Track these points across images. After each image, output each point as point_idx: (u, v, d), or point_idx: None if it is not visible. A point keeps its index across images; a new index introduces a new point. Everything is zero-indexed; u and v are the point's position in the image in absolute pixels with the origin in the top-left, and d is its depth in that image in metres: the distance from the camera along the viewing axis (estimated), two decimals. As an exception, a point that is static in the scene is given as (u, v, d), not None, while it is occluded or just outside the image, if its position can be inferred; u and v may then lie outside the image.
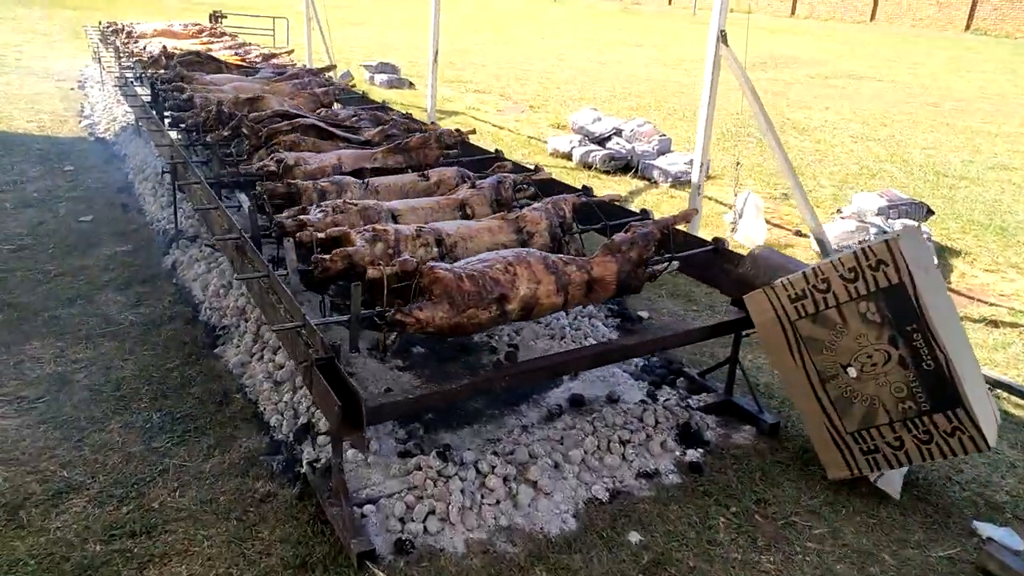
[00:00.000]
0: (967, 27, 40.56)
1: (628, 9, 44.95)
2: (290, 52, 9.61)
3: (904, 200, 6.01)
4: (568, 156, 8.52)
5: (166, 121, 5.48)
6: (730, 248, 3.53)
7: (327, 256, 2.95)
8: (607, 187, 7.65)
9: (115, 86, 8.31)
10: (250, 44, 9.18)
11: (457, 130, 5.02)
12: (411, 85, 13.04)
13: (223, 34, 9.39)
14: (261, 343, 3.84)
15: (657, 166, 7.81)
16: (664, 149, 8.26)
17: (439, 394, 2.56)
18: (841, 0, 47.88)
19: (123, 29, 10.65)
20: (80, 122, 8.67)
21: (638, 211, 4.16)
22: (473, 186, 4.14)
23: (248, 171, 3.89)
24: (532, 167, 4.74)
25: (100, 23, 12.24)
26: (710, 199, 7.36)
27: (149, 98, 6.71)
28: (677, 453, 3.24)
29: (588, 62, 18.64)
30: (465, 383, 2.62)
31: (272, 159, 3.84)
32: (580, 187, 4.65)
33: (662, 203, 7.18)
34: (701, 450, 3.27)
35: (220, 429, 3.23)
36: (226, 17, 17.02)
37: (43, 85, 10.77)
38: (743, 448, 3.35)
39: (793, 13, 47.10)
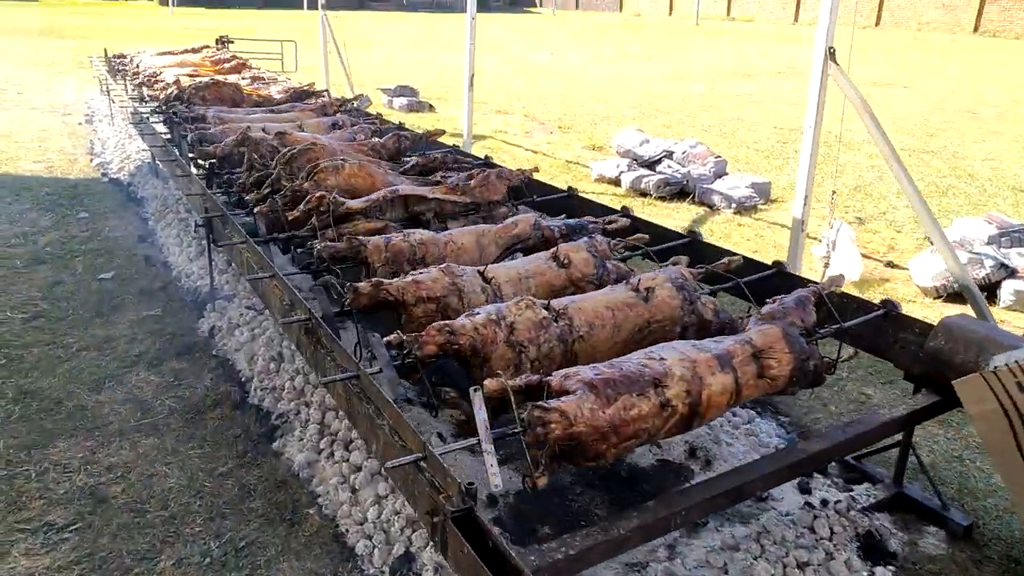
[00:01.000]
0: (975, 29, 40.16)
1: (629, 21, 44.71)
2: (318, 92, 9.01)
3: (1016, 226, 5.39)
4: (615, 182, 7.92)
5: (184, 162, 4.90)
6: (903, 312, 2.91)
7: (422, 333, 2.36)
8: (664, 215, 7.05)
9: (128, 122, 7.75)
10: (271, 73, 8.58)
11: (520, 169, 4.43)
12: (431, 108, 12.48)
13: (244, 65, 8.83)
14: (329, 436, 3.22)
15: (717, 191, 7.20)
16: (720, 171, 7.66)
17: (606, 544, 1.94)
18: (844, 5, 47.47)
19: (132, 60, 10.11)
20: (91, 161, 8.09)
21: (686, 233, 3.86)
22: (563, 236, 3.55)
23: (319, 249, 3.20)
24: (619, 211, 4.14)
25: (107, 53, 11.72)
26: (783, 226, 6.75)
27: (168, 135, 6.14)
28: (864, 574, 2.60)
29: (604, 78, 18.12)
30: (635, 525, 1.99)
31: (345, 240, 3.17)
32: (620, 208, 4.06)
33: (731, 232, 6.57)
34: (892, 568, 2.64)
35: (297, 561, 2.60)
36: (232, 42, 16.54)
37: (49, 120, 10.22)
38: (938, 561, 2.71)
39: (796, 20, 46.79)
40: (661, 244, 3.65)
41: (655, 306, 2.86)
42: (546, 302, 2.67)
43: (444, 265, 2.89)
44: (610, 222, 3.79)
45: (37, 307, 4.56)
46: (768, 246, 6.22)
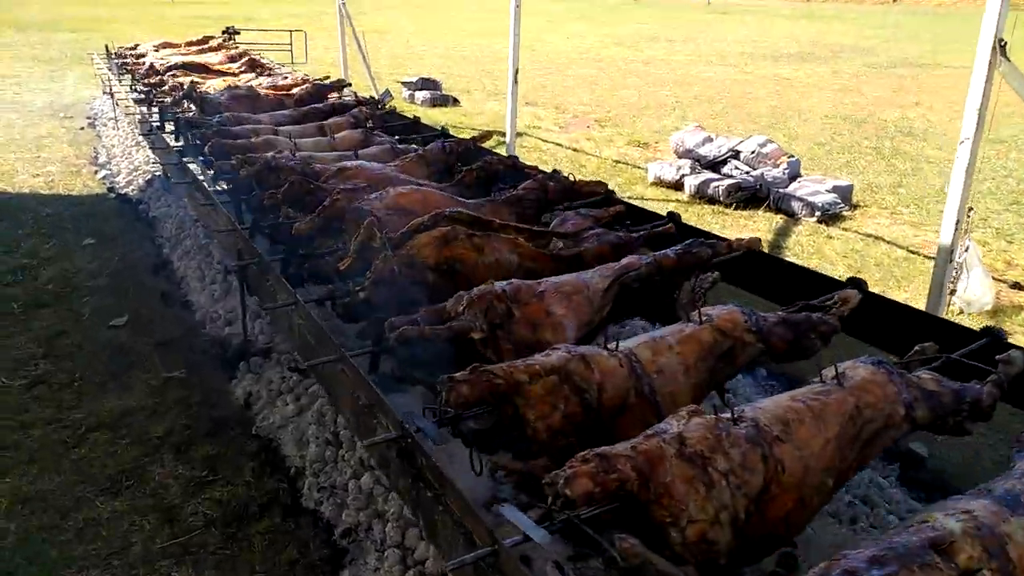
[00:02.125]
0: (1000, 3, 38.92)
1: (640, 1, 43.48)
2: (347, 85, 8.08)
3: None
4: (675, 185, 7.13)
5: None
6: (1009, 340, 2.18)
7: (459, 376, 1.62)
8: (738, 226, 6.27)
9: (141, 134, 6.98)
10: (290, 71, 7.77)
11: (617, 209, 3.62)
12: (455, 102, 11.67)
13: (258, 64, 8.02)
14: (417, 569, 2.48)
15: (796, 196, 6.42)
16: (794, 173, 6.87)
17: None
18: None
19: (137, 55, 9.31)
20: (96, 173, 7.34)
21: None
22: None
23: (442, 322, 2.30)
24: (741, 244, 3.35)
25: (108, 48, 10.92)
26: (878, 239, 5.97)
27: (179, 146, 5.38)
28: None
29: (629, 63, 17.24)
30: None
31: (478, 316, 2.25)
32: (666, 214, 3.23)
33: (821, 246, 5.79)
34: None
35: None
36: (239, 33, 15.74)
37: (48, 124, 9.45)
38: None
39: (809, -2, 45.74)
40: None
41: (857, 388, 2.09)
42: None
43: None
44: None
45: (38, 368, 3.83)
46: (869, 265, 5.44)
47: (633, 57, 18.34)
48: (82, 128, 9.29)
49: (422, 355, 2.10)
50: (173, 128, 5.50)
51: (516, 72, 6.89)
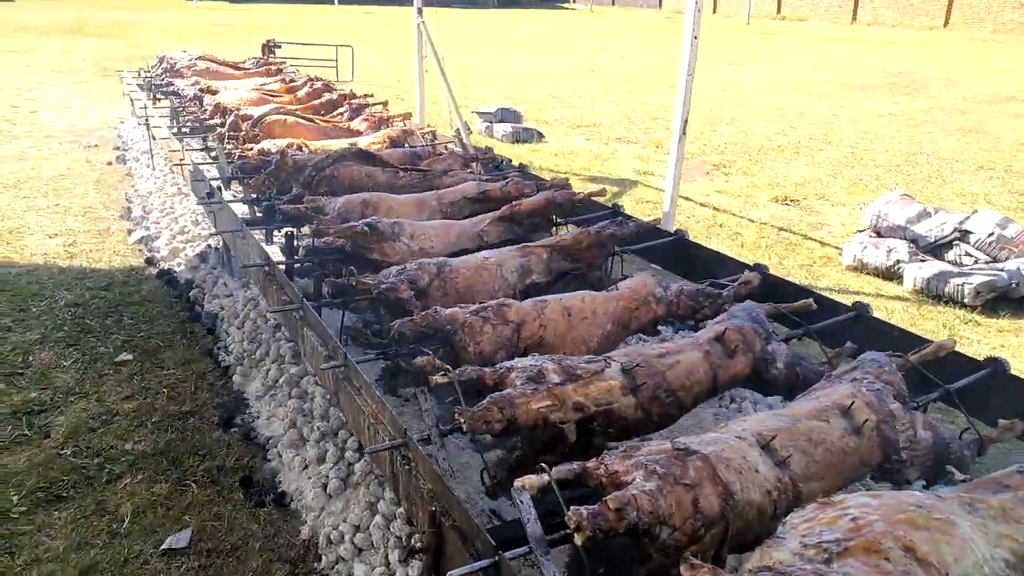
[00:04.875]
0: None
1: (672, 18, 41.90)
2: (407, 116, 6.40)
3: None
4: (887, 274, 5.43)
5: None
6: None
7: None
8: (1004, 343, 4.57)
9: (200, 201, 5.39)
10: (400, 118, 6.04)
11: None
12: (540, 137, 10.02)
13: (344, 98, 6.36)
14: None
15: (1072, 303, 4.73)
16: (1046, 263, 5.18)
17: None
18: (909, 4, 45.01)
19: (172, 76, 7.75)
20: (129, 234, 5.70)
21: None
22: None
23: None
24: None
25: (141, 70, 9.37)
26: None
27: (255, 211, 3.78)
28: None
29: (706, 89, 15.58)
30: None
31: None
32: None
33: None
34: None
35: None
36: (280, 47, 14.26)
37: (69, 157, 7.86)
38: None
39: (855, 19, 44.38)
40: None
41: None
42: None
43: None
44: None
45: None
46: None
47: (705, 83, 16.71)
48: (109, 163, 7.68)
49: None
50: (261, 209, 3.89)
51: (685, 123, 5.23)
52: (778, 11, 45.43)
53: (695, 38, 5.00)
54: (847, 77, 18.67)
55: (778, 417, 2.15)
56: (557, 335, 2.65)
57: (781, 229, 6.60)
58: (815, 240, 6.33)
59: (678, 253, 3.89)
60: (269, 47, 13.72)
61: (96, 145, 8.40)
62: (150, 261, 5.16)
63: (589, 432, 2.17)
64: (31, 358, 3.85)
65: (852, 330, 2.93)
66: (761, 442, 1.98)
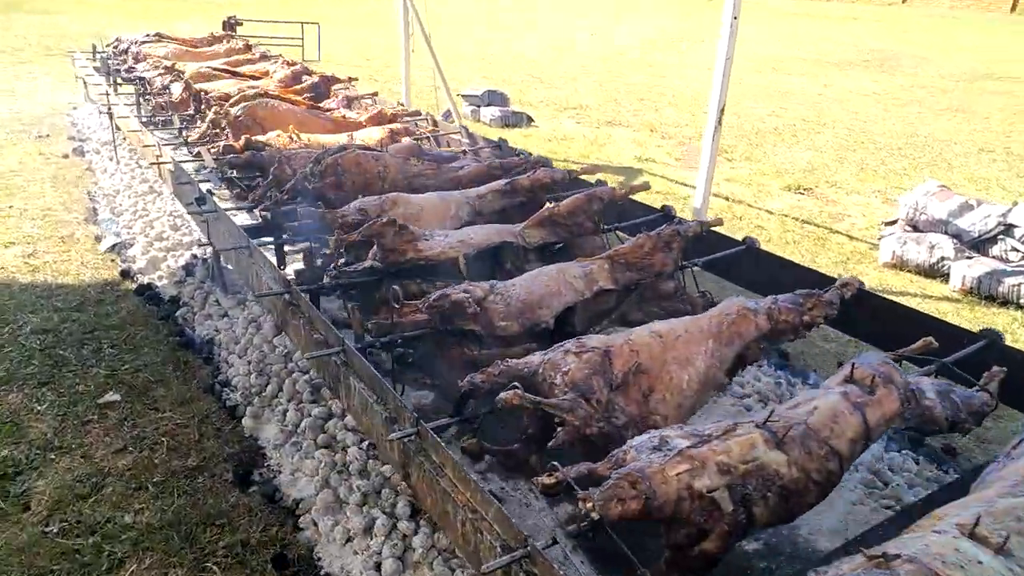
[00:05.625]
0: (1013, 8, 38.11)
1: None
2: (374, 95, 5.80)
3: None
4: (929, 272, 5.11)
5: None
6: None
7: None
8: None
9: (189, 211, 4.79)
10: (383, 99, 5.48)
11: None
12: (530, 121, 9.49)
13: (333, 81, 5.76)
14: None
15: None
16: (1096, 260, 4.93)
17: None
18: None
19: (142, 59, 7.07)
20: (98, 241, 5.05)
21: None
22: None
23: None
24: None
25: (97, 47, 8.57)
26: None
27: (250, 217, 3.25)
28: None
29: (680, 69, 15.18)
30: None
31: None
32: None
33: None
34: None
35: None
36: (241, 24, 13.44)
37: (18, 149, 7.07)
38: None
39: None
40: None
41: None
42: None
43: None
44: None
45: None
46: None
47: (675, 61, 16.32)
48: (66, 156, 6.92)
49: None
50: (260, 211, 3.36)
51: (722, 111, 4.80)
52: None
53: (735, 18, 4.56)
54: (820, 54, 18.47)
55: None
56: (653, 357, 2.35)
57: (804, 222, 6.24)
58: (841, 234, 5.99)
59: (747, 263, 3.48)
60: (230, 24, 12.87)
61: (48, 135, 7.61)
62: (125, 274, 4.54)
63: (746, 500, 1.77)
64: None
65: (984, 358, 2.57)
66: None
